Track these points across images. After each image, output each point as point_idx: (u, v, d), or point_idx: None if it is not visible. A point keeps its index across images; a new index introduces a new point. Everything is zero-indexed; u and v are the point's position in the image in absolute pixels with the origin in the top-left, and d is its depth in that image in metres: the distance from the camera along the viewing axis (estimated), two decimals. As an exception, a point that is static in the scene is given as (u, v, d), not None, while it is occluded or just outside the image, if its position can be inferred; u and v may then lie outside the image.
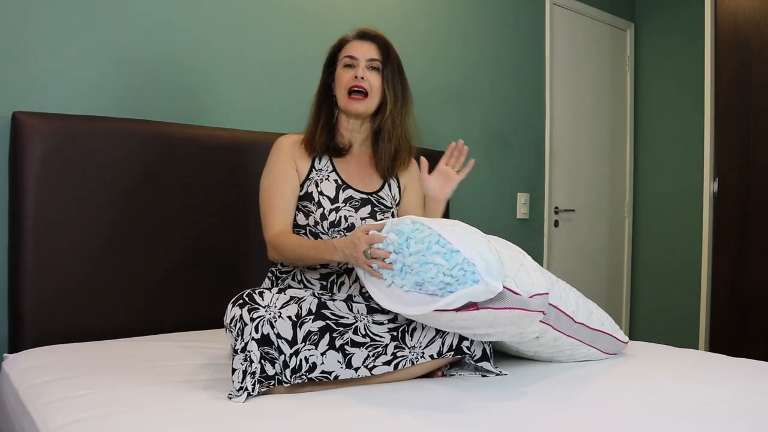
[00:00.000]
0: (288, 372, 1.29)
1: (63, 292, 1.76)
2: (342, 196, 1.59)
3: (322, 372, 1.31)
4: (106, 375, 1.39)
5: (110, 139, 1.85)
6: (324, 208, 1.56)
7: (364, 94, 1.60)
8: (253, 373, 1.25)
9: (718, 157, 2.97)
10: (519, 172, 3.29)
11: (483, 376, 1.43)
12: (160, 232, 1.94)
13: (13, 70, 1.80)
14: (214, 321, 1.87)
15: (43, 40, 1.84)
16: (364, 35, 1.65)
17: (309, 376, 1.30)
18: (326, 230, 1.55)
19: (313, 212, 1.57)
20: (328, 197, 1.58)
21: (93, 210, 1.81)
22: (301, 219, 1.59)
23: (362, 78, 1.59)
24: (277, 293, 1.39)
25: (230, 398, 1.23)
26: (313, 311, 1.36)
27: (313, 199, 1.58)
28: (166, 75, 2.09)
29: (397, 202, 1.70)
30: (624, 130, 3.93)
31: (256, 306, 1.33)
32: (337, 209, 1.56)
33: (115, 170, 1.86)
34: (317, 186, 1.59)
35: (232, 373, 1.27)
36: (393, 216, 1.65)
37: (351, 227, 1.55)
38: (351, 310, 1.42)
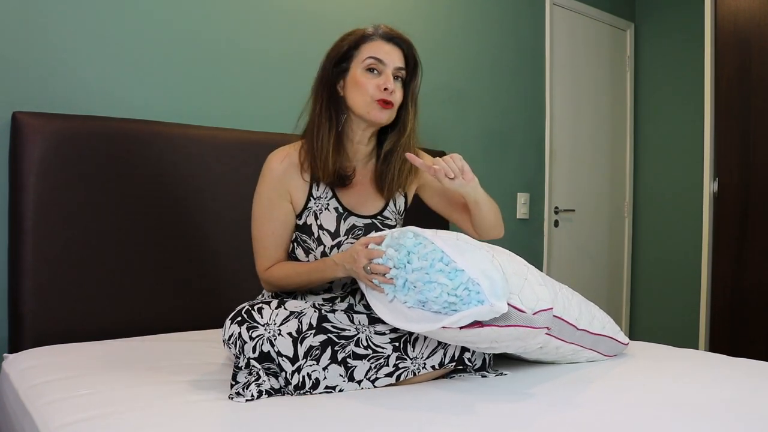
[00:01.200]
0: (290, 389, 1.27)
1: (63, 292, 1.76)
2: (344, 226, 1.47)
3: (326, 388, 1.29)
4: (106, 375, 1.38)
5: (110, 139, 1.85)
6: (325, 246, 1.45)
7: (391, 105, 1.43)
8: (260, 384, 1.24)
9: (718, 157, 2.97)
10: (519, 172, 3.29)
11: (483, 376, 1.42)
12: (160, 232, 1.94)
13: (13, 70, 1.80)
14: (214, 321, 1.87)
15: (42, 40, 1.84)
16: (391, 38, 1.44)
17: (313, 392, 1.28)
18: None
19: (313, 250, 1.47)
20: (328, 231, 1.46)
21: (93, 210, 1.81)
22: (301, 255, 1.49)
23: (392, 91, 1.41)
24: (276, 308, 1.35)
25: (231, 399, 1.23)
26: (314, 325, 1.33)
27: (313, 234, 1.46)
28: (166, 75, 2.09)
29: (401, 213, 1.61)
30: (624, 130, 3.93)
31: (255, 324, 1.31)
32: (339, 245, 1.46)
33: (115, 170, 1.85)
34: (317, 218, 1.47)
35: (231, 387, 1.25)
36: None
37: None
38: (352, 321, 1.39)
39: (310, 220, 1.47)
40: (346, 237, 1.47)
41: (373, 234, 1.39)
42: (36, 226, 1.72)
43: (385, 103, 1.41)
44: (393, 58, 1.43)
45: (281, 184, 1.47)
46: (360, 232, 1.49)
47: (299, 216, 1.49)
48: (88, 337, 1.76)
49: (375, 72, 1.42)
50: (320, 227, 1.47)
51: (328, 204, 1.48)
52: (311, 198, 1.48)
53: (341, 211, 1.49)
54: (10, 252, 1.75)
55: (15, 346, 1.71)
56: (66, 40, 1.88)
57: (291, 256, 1.53)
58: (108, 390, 1.27)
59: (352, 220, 1.49)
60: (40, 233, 1.72)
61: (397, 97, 1.43)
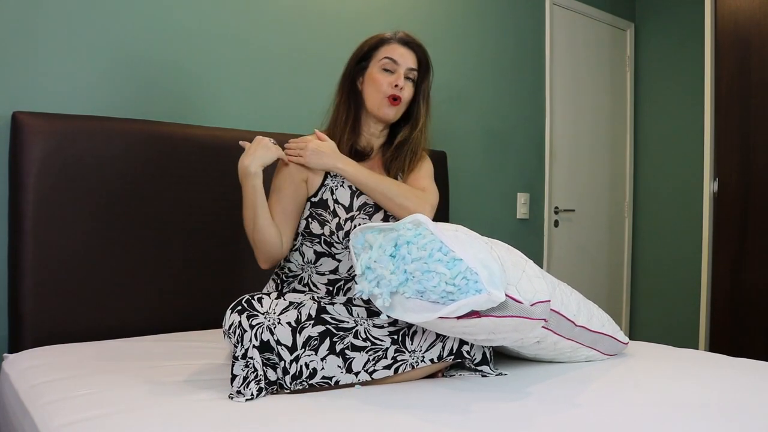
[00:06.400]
0: (288, 378, 1.28)
1: (63, 292, 1.76)
2: (356, 203, 1.56)
3: (323, 378, 1.30)
4: (106, 375, 1.39)
5: (110, 139, 1.85)
6: (339, 218, 1.54)
7: (399, 101, 1.58)
8: (258, 381, 1.25)
9: (718, 157, 2.97)
10: (519, 172, 3.29)
11: (483, 376, 1.43)
12: (160, 232, 1.94)
13: (13, 70, 1.80)
14: (214, 321, 1.87)
15: (42, 40, 1.84)
16: (406, 42, 1.61)
17: (309, 382, 1.30)
18: (341, 240, 1.53)
19: (328, 222, 1.54)
20: (343, 206, 1.55)
21: (93, 210, 1.81)
22: (316, 228, 1.56)
23: (402, 88, 1.57)
24: (275, 298, 1.38)
25: (231, 399, 1.23)
26: (313, 316, 1.35)
27: (328, 207, 1.55)
28: (166, 75, 2.09)
29: None
30: (624, 130, 3.93)
31: (255, 313, 1.32)
32: (352, 218, 1.54)
33: (115, 170, 1.86)
34: (332, 193, 1.56)
35: (232, 380, 1.26)
36: None
37: None
38: (351, 313, 1.41)
39: (326, 195, 1.57)
40: (358, 212, 1.56)
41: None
42: (36, 226, 1.72)
43: (394, 99, 1.57)
44: (406, 59, 1.59)
45: (298, 171, 1.57)
46: (371, 209, 1.57)
47: (315, 194, 1.57)
48: (88, 337, 1.77)
49: (389, 71, 1.58)
50: (336, 201, 1.56)
51: (343, 182, 1.58)
52: (328, 175, 1.58)
53: (354, 189, 1.58)
54: (10, 252, 1.75)
55: (15, 346, 1.71)
56: (66, 40, 1.88)
57: (306, 231, 1.58)
58: (108, 390, 1.27)
59: (364, 198, 1.58)
60: (40, 233, 1.72)
61: (405, 95, 1.59)
